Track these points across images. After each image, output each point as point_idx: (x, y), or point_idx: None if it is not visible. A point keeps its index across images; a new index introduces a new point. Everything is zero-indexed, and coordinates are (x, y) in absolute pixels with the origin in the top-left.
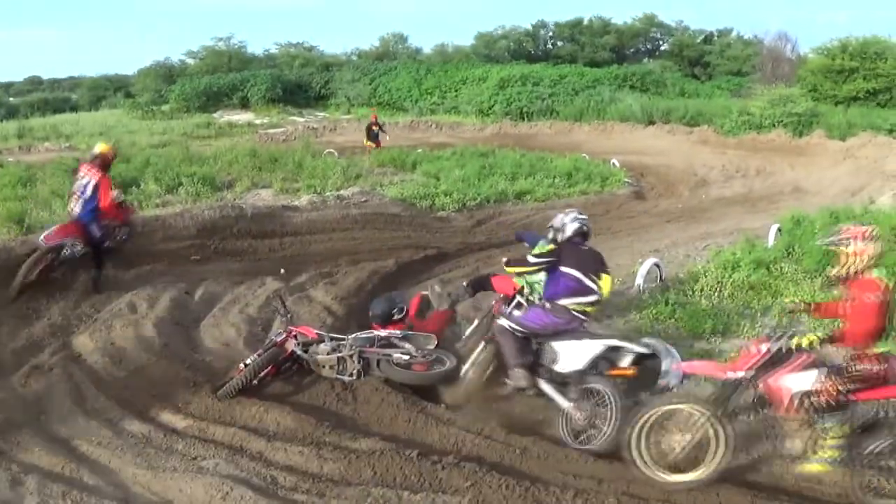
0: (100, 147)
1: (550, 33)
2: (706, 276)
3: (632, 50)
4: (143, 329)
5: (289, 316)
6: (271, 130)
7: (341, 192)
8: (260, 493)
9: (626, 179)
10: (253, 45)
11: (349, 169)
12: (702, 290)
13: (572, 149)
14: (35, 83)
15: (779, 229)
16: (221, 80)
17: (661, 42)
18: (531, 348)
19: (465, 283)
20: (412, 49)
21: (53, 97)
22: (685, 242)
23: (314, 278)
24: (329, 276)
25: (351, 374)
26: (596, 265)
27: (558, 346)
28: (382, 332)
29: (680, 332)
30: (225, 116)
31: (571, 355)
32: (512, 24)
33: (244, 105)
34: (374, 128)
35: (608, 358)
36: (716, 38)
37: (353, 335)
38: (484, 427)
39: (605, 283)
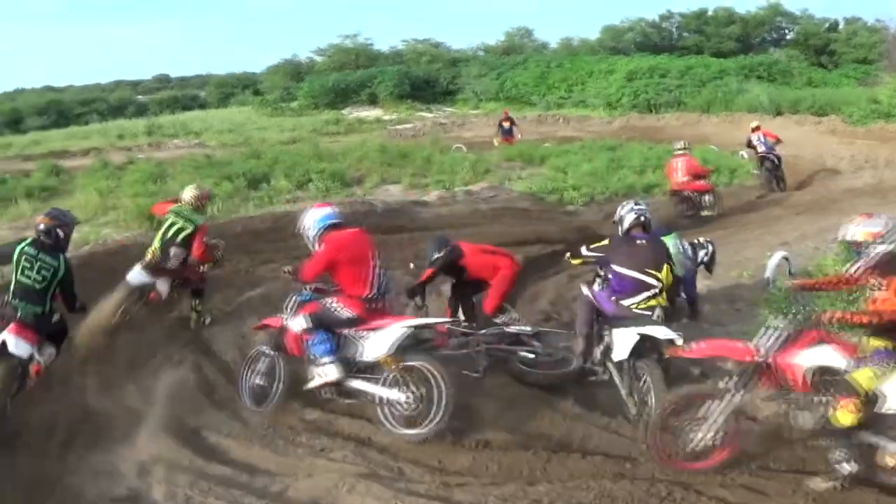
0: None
1: (676, 24)
2: (835, 269)
3: (757, 39)
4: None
5: (424, 308)
6: (399, 126)
7: (470, 187)
8: (386, 485)
9: (754, 171)
10: (379, 41)
11: (477, 164)
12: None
13: (700, 140)
14: (163, 81)
15: None
16: (349, 76)
17: (786, 31)
18: (596, 325)
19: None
20: (538, 43)
21: (182, 95)
22: (814, 234)
23: None
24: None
25: (477, 371)
26: (654, 258)
27: (615, 333)
28: (512, 329)
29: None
30: (353, 113)
31: (618, 344)
32: (637, 16)
33: (372, 101)
34: (504, 123)
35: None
36: (842, 25)
37: (483, 331)
38: (611, 422)
39: (665, 275)
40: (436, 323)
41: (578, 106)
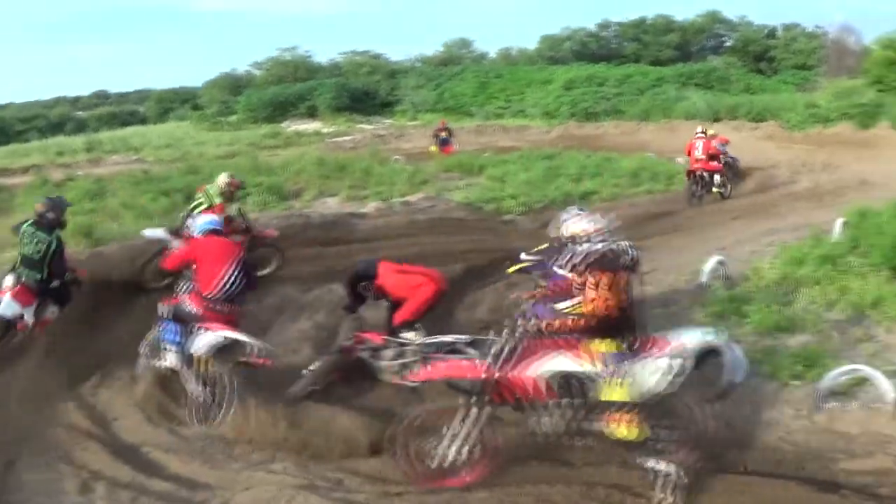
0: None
1: (614, 33)
2: (771, 273)
3: (696, 47)
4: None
5: (357, 321)
6: (338, 139)
7: (408, 198)
8: (324, 496)
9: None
10: (318, 54)
11: (416, 175)
12: (766, 286)
13: (638, 149)
14: (102, 97)
15: (844, 223)
16: (288, 89)
17: (725, 38)
18: None
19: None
20: (477, 54)
21: (121, 110)
22: (751, 239)
23: None
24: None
25: (413, 381)
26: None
27: None
28: (448, 338)
29: (745, 330)
30: (292, 126)
31: None
32: (576, 26)
33: (311, 114)
34: (441, 133)
35: None
36: (780, 32)
37: (419, 340)
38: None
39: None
40: (250, 342)
41: (517, 116)
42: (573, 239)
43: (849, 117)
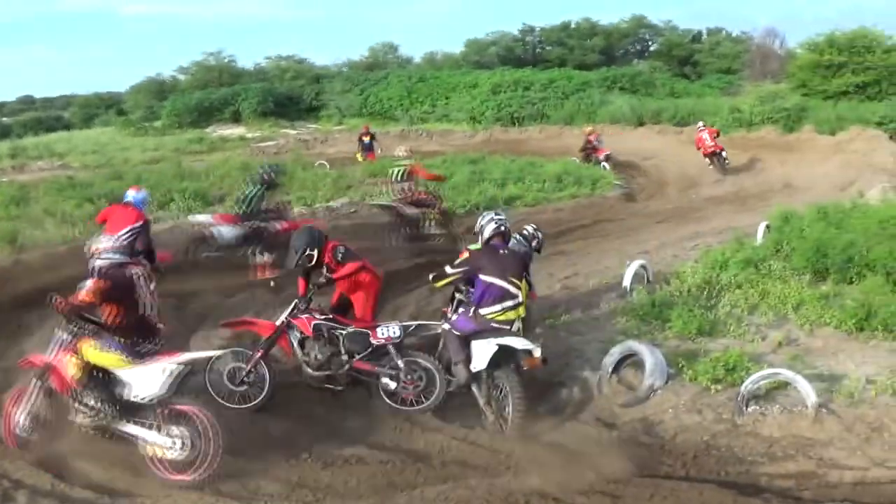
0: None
1: (538, 38)
2: (694, 277)
3: (621, 52)
4: None
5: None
6: (263, 144)
7: (331, 203)
8: (243, 503)
9: (616, 182)
10: (243, 58)
11: (339, 180)
12: (689, 290)
13: (562, 153)
14: (27, 102)
15: (767, 227)
16: (213, 94)
17: (650, 43)
18: (468, 346)
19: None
20: (402, 58)
21: (46, 116)
22: (674, 243)
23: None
24: (318, 286)
25: (340, 386)
26: (515, 267)
27: (474, 345)
28: (381, 339)
29: (666, 334)
30: (217, 131)
31: (477, 355)
32: (501, 30)
33: (236, 119)
34: (365, 138)
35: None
36: (705, 36)
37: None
38: (468, 433)
39: (525, 285)
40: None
41: (442, 120)
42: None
43: (773, 121)
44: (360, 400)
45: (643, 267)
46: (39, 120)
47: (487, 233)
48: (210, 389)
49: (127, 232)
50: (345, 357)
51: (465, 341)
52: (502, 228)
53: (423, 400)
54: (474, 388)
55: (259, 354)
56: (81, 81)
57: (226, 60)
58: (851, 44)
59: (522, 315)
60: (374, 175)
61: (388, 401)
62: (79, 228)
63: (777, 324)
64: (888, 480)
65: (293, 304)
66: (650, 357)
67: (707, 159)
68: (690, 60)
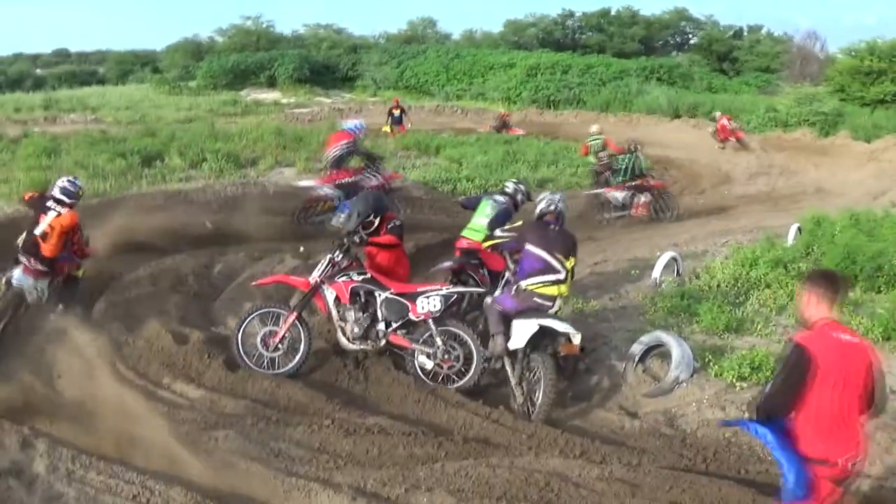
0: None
1: (578, 23)
2: (723, 272)
3: (660, 42)
4: (161, 299)
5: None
6: (297, 110)
7: None
8: (266, 465)
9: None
10: (281, 24)
11: (373, 151)
12: (718, 286)
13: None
14: (63, 56)
15: (799, 229)
16: (249, 58)
17: (690, 36)
18: (508, 322)
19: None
20: (441, 34)
21: (80, 70)
22: (704, 238)
23: None
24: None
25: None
26: (563, 245)
27: (515, 323)
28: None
29: (693, 328)
30: (251, 95)
31: (517, 333)
32: (541, 13)
33: (271, 84)
34: (395, 112)
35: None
36: (746, 34)
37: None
38: (492, 411)
39: (572, 265)
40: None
41: (478, 98)
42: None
43: (809, 124)
44: (384, 370)
45: (674, 259)
46: (74, 74)
47: (540, 209)
48: (242, 356)
49: (336, 148)
50: (381, 326)
51: (506, 318)
52: (552, 207)
53: (458, 379)
54: (507, 367)
55: (293, 316)
56: (117, 38)
57: (264, 25)
58: (892, 52)
59: (565, 294)
60: (407, 148)
61: (421, 376)
62: (110, 182)
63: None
64: None
65: (327, 258)
66: (677, 349)
67: (722, 144)
68: (729, 57)
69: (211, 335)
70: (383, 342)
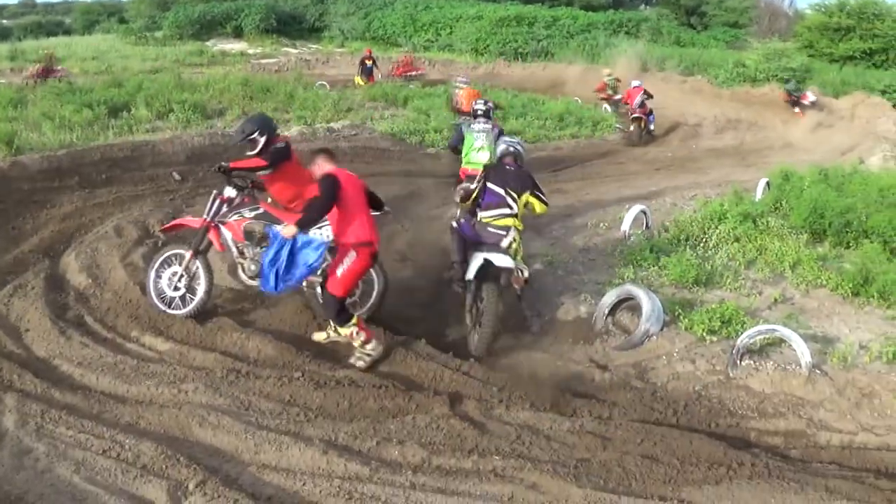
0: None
1: None
2: (692, 226)
3: None
4: (128, 252)
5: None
6: (264, 61)
7: (331, 124)
8: (236, 418)
9: (617, 125)
10: None
11: (340, 102)
12: (687, 239)
13: (564, 92)
14: (28, 6)
15: (767, 184)
16: (216, 8)
17: None
18: (465, 251)
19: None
20: None
21: (47, 21)
22: (673, 191)
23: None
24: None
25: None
26: (516, 183)
27: (471, 256)
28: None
29: (663, 281)
30: (218, 45)
31: (471, 265)
32: None
33: (237, 34)
34: (367, 62)
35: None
36: None
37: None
38: (462, 364)
39: (528, 200)
40: None
41: (445, 50)
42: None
43: (778, 79)
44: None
45: (643, 212)
46: (40, 24)
47: (500, 152)
48: (154, 299)
49: None
50: None
51: (464, 247)
52: (511, 149)
53: (361, 306)
54: (465, 295)
55: (189, 255)
56: None
57: None
58: (861, 9)
59: (519, 226)
60: (374, 99)
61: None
62: (76, 134)
63: (773, 280)
64: (875, 447)
65: (213, 195)
66: (648, 302)
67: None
68: (697, 11)
69: None
70: None
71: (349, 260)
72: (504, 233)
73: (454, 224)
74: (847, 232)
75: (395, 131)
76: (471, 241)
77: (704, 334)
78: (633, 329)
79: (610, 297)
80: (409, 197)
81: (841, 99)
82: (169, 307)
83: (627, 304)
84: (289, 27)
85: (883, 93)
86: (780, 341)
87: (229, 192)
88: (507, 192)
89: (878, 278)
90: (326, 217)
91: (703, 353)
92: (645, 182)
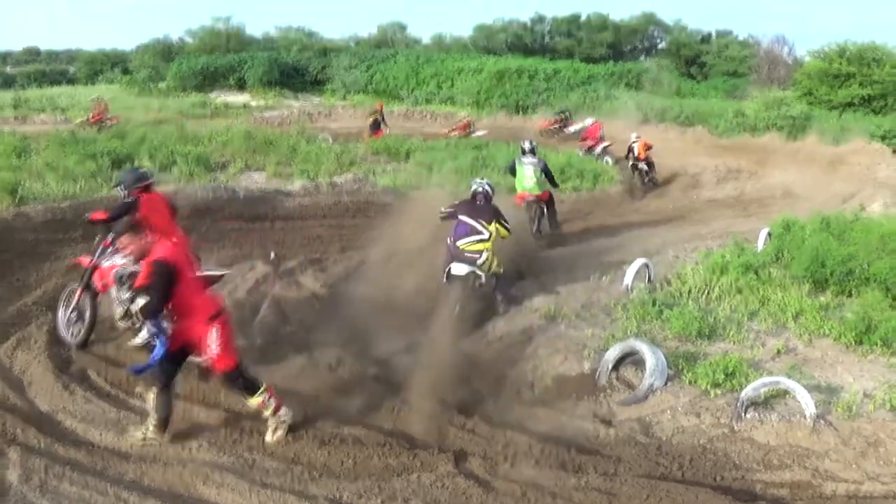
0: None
1: (548, 27)
2: (694, 278)
3: (629, 47)
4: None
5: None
6: (267, 113)
7: (334, 178)
8: (241, 476)
9: (618, 177)
10: (252, 26)
11: (343, 155)
12: (689, 291)
13: (567, 146)
14: (33, 54)
15: (769, 234)
16: (219, 60)
17: (658, 40)
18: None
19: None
20: (410, 38)
21: (50, 69)
22: (675, 243)
23: (304, 264)
24: (318, 262)
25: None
26: (487, 215)
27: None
28: None
29: (666, 334)
30: (221, 97)
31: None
32: (511, 17)
33: (241, 86)
34: (377, 117)
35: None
36: (714, 38)
37: None
38: (467, 422)
39: (494, 228)
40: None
41: (447, 103)
42: None
43: (777, 128)
44: (358, 381)
45: (645, 266)
46: (44, 73)
47: (472, 190)
48: (61, 327)
49: None
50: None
51: (449, 259)
52: (480, 189)
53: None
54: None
55: (78, 291)
56: (88, 37)
57: (234, 27)
58: (861, 55)
59: (489, 248)
60: (377, 152)
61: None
62: (80, 185)
63: (776, 331)
64: (881, 495)
65: (97, 239)
66: (651, 357)
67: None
68: (697, 61)
69: None
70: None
71: (216, 335)
72: (478, 255)
73: (449, 242)
74: (849, 280)
75: (398, 185)
76: (452, 257)
77: (708, 387)
78: (637, 384)
79: (614, 352)
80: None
81: (841, 146)
82: (70, 337)
83: (632, 358)
84: (291, 80)
85: (882, 139)
86: (785, 392)
87: (110, 237)
88: (477, 221)
89: (881, 326)
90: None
91: (707, 406)
92: (646, 234)
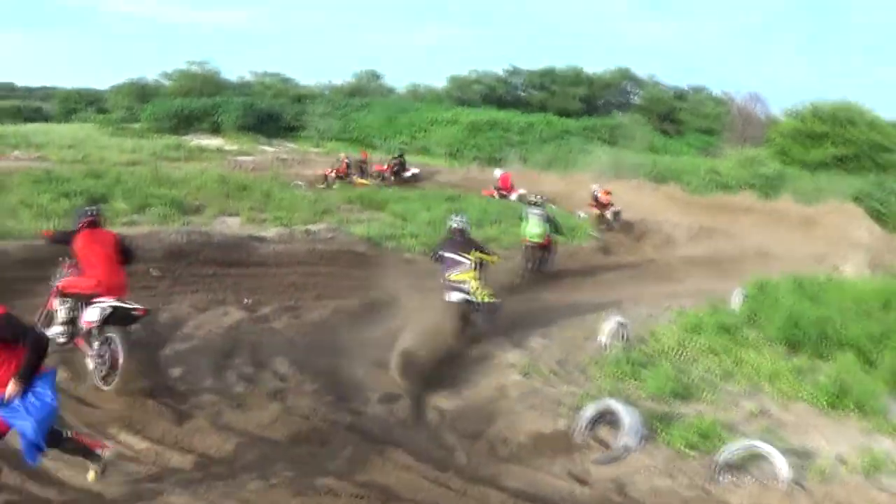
0: None
1: (522, 80)
2: (669, 338)
3: (602, 101)
4: None
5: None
6: (241, 158)
7: (309, 226)
8: None
9: (591, 233)
10: (228, 71)
11: (317, 203)
12: (664, 351)
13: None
14: (8, 90)
15: (743, 293)
16: (194, 103)
17: (632, 95)
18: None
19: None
20: (385, 87)
21: (25, 106)
22: (648, 301)
23: (278, 311)
24: (293, 309)
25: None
26: (466, 247)
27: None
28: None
29: (640, 394)
30: (195, 140)
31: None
32: (485, 69)
33: (215, 130)
34: (363, 165)
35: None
36: (689, 94)
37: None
38: (440, 475)
39: (479, 256)
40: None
41: (421, 152)
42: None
43: (751, 186)
44: (332, 430)
45: (622, 325)
46: (19, 109)
47: (451, 227)
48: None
49: None
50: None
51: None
52: (457, 226)
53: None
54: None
55: (37, 318)
56: (63, 75)
57: (210, 71)
58: (834, 115)
59: (475, 276)
60: (351, 201)
61: (95, 380)
62: (54, 223)
63: (750, 393)
64: None
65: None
66: (627, 417)
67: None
68: (671, 117)
69: (155, 385)
70: (70, 342)
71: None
72: (465, 285)
73: (446, 275)
74: (823, 343)
75: (372, 235)
76: (447, 289)
77: (683, 448)
78: (612, 442)
79: (589, 412)
80: (390, 302)
81: (815, 206)
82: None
83: (607, 418)
84: (266, 125)
85: (856, 199)
86: (759, 455)
87: (69, 260)
88: (459, 254)
89: (854, 390)
90: None
91: (682, 467)
92: (621, 290)
